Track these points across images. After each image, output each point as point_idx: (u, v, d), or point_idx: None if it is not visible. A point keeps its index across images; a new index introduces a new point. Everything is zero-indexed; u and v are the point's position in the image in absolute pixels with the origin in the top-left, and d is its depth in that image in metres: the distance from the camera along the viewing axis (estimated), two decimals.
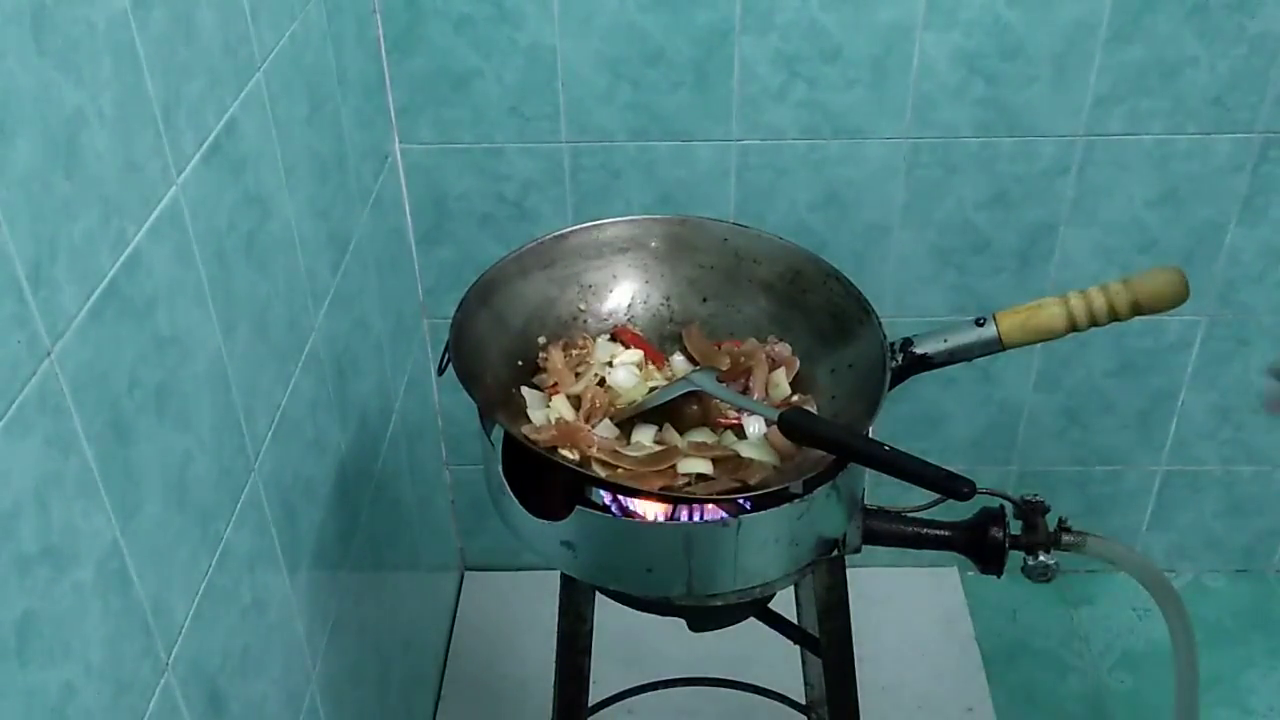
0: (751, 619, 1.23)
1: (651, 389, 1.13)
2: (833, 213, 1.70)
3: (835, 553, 1.10)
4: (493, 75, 1.59)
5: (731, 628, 1.18)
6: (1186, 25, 1.54)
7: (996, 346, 1.11)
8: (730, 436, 1.09)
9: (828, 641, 1.18)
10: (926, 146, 1.64)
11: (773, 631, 1.33)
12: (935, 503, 1.02)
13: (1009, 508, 1.15)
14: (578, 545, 1.02)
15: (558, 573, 1.13)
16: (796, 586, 1.30)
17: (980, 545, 1.13)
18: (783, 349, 1.17)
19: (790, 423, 1.01)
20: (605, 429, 1.08)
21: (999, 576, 1.15)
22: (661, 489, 1.02)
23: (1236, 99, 1.60)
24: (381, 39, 1.56)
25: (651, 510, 1.05)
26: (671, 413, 1.10)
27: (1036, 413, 1.91)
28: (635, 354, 1.16)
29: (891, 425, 1.81)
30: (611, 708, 1.54)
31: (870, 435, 1.03)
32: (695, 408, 1.10)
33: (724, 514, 1.02)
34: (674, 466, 1.04)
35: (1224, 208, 1.69)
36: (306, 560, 1.20)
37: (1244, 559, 2.08)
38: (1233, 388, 1.87)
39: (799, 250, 1.19)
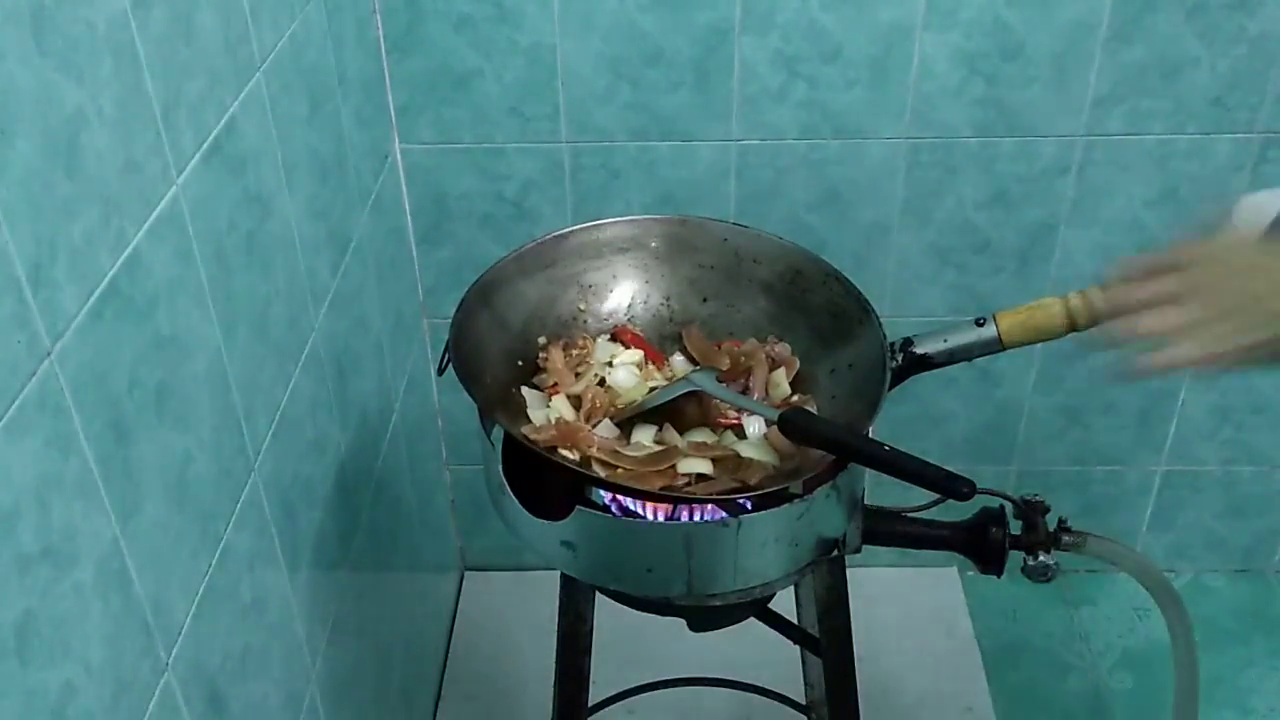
0: (751, 619, 1.23)
1: (651, 389, 1.13)
2: (832, 213, 1.70)
3: (835, 553, 1.10)
4: (493, 75, 1.59)
5: (731, 628, 1.18)
6: (1186, 25, 1.54)
7: (996, 346, 1.11)
8: (730, 436, 1.09)
9: (828, 641, 1.18)
10: (926, 146, 1.64)
11: (773, 631, 1.33)
12: (935, 503, 1.02)
13: (1009, 508, 1.16)
14: (578, 545, 1.02)
15: (558, 573, 1.13)
16: (796, 586, 1.30)
17: (980, 545, 1.13)
18: (783, 349, 1.17)
19: (790, 423, 1.01)
20: (605, 429, 1.08)
21: (999, 576, 1.15)
22: (661, 489, 1.02)
23: (1236, 99, 1.60)
24: (381, 39, 1.56)
25: (651, 510, 1.05)
26: (671, 413, 1.10)
27: (1036, 412, 1.91)
28: (635, 354, 1.16)
29: (891, 425, 1.80)
30: (611, 708, 1.54)
31: (870, 435, 1.03)
32: (695, 408, 1.10)
33: (724, 514, 1.02)
34: (674, 466, 1.04)
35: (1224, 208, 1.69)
36: (306, 560, 1.20)
37: (1244, 559, 2.08)
38: (1233, 388, 1.87)
39: (799, 250, 1.19)
